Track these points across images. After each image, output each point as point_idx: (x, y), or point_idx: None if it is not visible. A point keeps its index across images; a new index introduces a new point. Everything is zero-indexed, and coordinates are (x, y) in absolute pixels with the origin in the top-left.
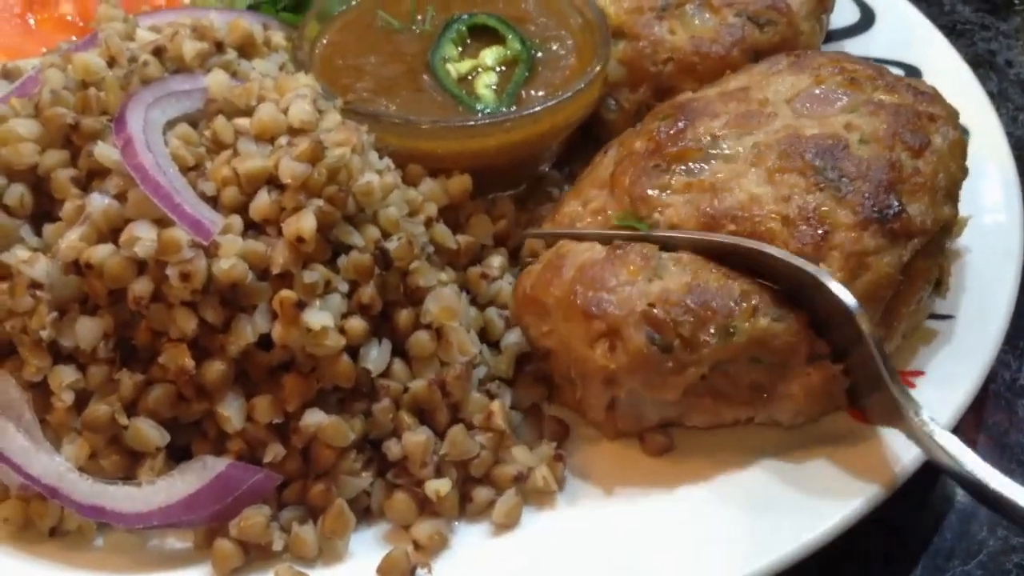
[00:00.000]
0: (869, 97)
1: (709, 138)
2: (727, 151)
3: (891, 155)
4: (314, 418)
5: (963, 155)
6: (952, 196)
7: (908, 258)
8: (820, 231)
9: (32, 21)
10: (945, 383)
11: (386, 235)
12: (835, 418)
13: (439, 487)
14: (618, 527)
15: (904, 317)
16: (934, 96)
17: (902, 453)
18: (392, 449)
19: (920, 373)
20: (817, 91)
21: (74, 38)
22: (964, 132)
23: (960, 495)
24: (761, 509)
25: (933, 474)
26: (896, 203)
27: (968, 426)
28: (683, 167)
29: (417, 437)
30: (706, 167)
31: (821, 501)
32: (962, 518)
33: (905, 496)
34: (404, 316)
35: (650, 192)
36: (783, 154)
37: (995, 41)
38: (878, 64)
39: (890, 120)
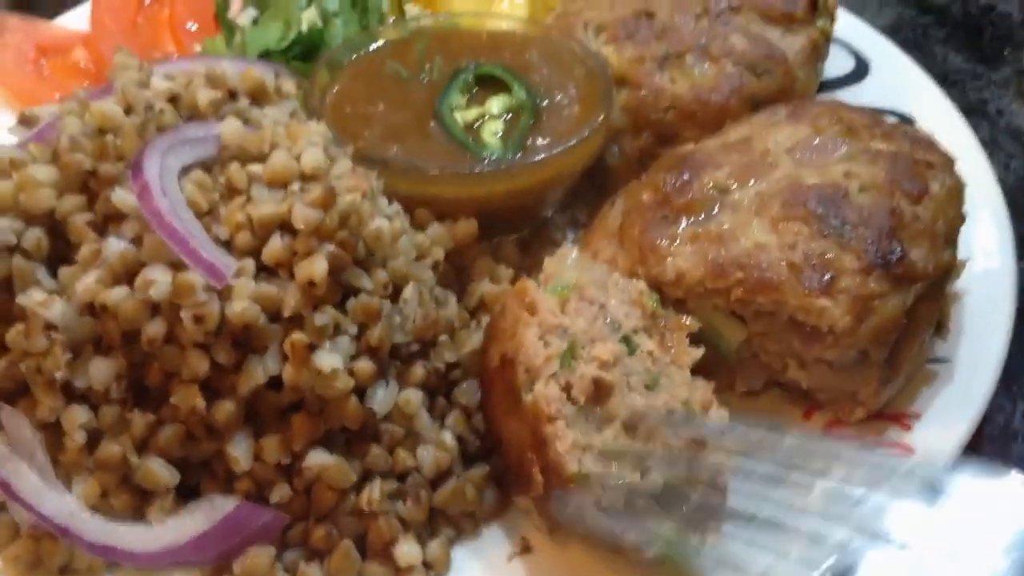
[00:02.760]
0: (867, 146)
1: (714, 189)
2: (732, 201)
3: (891, 202)
4: (318, 459)
5: (961, 200)
6: (951, 241)
7: (911, 302)
8: (827, 276)
9: (45, 67)
10: (941, 426)
11: (396, 285)
12: None
13: (408, 560)
14: None
15: (908, 359)
16: (930, 143)
17: None
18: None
19: (917, 416)
20: (816, 140)
21: (87, 84)
22: None
23: None
24: None
25: None
26: (899, 248)
27: None
28: (690, 218)
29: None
30: (712, 217)
31: None
32: None
33: None
34: (417, 370)
35: (659, 243)
36: (786, 203)
37: (987, 90)
38: (873, 112)
39: (888, 168)
